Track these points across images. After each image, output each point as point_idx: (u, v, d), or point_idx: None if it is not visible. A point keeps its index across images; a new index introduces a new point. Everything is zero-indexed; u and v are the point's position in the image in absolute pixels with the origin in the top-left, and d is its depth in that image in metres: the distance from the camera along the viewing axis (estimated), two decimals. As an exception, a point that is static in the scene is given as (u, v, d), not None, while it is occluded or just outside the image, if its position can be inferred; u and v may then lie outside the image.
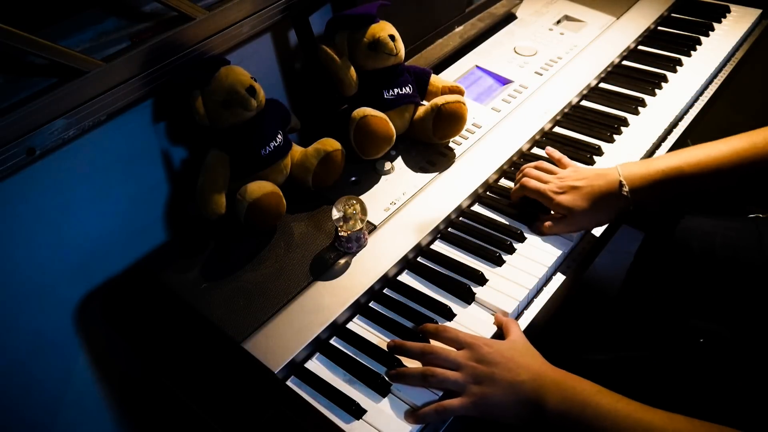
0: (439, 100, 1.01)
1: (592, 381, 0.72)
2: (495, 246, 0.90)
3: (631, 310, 1.09)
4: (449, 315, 0.81)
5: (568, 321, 1.09)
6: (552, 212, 0.92)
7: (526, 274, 0.86)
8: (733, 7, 1.40)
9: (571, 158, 1.04)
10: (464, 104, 1.01)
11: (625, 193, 0.87)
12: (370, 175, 1.00)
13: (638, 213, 0.89)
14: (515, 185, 0.96)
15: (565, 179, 0.92)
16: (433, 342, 0.78)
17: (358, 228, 0.85)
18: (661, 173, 0.87)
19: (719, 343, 0.90)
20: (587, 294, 1.39)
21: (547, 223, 0.90)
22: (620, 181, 0.88)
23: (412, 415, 0.71)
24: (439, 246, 0.92)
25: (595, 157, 1.04)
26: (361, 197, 0.90)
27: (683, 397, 0.87)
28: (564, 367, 0.74)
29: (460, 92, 1.06)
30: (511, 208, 0.96)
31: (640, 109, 1.15)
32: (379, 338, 0.80)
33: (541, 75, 1.20)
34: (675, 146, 1.11)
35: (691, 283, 0.91)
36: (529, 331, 0.82)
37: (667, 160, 0.88)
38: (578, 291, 0.92)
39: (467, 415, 0.72)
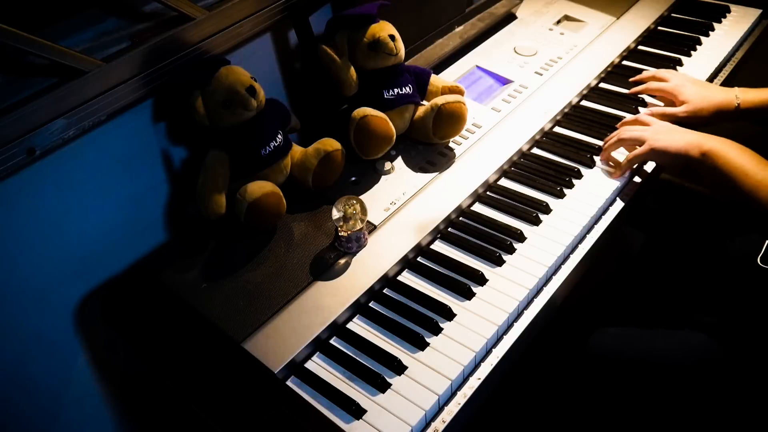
0: (439, 100, 1.01)
1: (596, 379, 0.74)
2: (495, 246, 0.90)
3: (639, 295, 1.10)
4: (449, 315, 0.81)
5: (571, 318, 1.09)
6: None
7: (526, 274, 0.86)
8: (733, 7, 1.40)
9: (571, 158, 1.04)
10: (464, 104, 1.01)
11: (737, 105, 1.04)
12: (370, 175, 1.00)
13: (639, 212, 0.90)
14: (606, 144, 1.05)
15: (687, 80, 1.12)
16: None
17: (358, 228, 0.85)
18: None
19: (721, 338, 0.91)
20: (587, 294, 1.39)
21: (670, 109, 1.09)
22: (736, 95, 1.05)
23: (613, 174, 0.99)
24: (439, 246, 0.92)
25: (595, 157, 1.04)
26: (361, 197, 0.90)
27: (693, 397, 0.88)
28: (569, 362, 0.76)
29: (460, 92, 1.06)
30: (511, 208, 0.96)
31: (640, 109, 1.15)
32: (379, 338, 0.80)
33: (541, 75, 1.20)
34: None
35: (699, 278, 0.93)
36: (529, 331, 0.82)
37: None
38: (579, 291, 0.92)
39: (646, 160, 0.99)
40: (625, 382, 0.96)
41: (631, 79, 1.20)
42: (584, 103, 1.19)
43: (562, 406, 1.03)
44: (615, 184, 0.99)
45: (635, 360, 0.96)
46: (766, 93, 1.04)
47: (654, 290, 1.09)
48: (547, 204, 0.96)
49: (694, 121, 1.05)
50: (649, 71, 1.18)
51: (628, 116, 1.13)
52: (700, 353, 0.92)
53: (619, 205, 0.99)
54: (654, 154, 0.96)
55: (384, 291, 0.86)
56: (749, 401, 0.87)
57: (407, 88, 1.02)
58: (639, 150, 0.96)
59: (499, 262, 0.88)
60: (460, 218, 0.96)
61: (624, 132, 1.01)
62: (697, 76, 1.21)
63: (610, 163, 1.02)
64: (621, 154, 1.03)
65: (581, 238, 0.93)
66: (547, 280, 0.87)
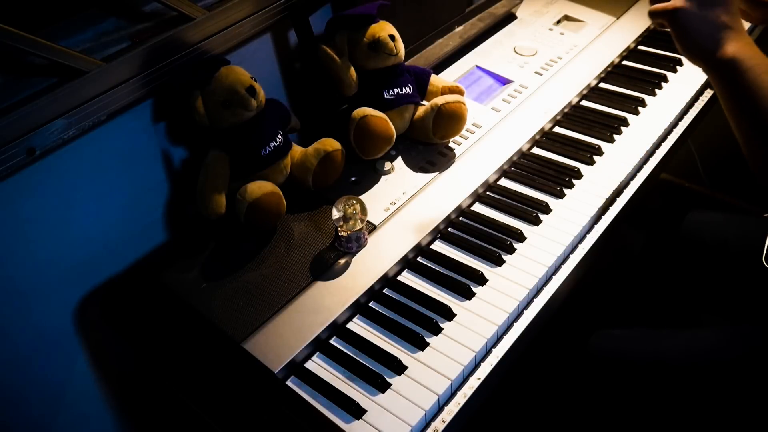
0: (439, 100, 1.01)
1: (597, 380, 0.73)
2: (495, 246, 0.90)
3: (642, 295, 1.09)
4: (449, 315, 0.81)
5: (572, 317, 1.09)
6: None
7: (526, 274, 0.86)
8: (733, 7, 1.40)
9: (571, 158, 1.04)
10: (464, 104, 1.01)
11: None
12: (370, 175, 1.00)
13: (642, 214, 0.90)
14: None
15: None
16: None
17: (358, 228, 0.85)
18: None
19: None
20: (588, 293, 1.39)
21: None
22: None
23: (650, 12, 0.81)
24: (439, 246, 0.92)
25: (595, 157, 1.04)
26: (361, 197, 0.90)
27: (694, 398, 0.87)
28: (570, 361, 0.75)
29: (460, 92, 1.06)
30: (511, 208, 0.96)
31: (640, 109, 1.15)
32: (379, 338, 0.80)
33: (541, 75, 1.20)
34: (675, 146, 1.11)
35: (702, 275, 0.92)
36: (529, 331, 0.82)
37: None
38: (579, 291, 0.92)
39: (673, 22, 0.80)
40: (627, 383, 0.95)
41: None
42: (584, 103, 1.19)
43: (562, 406, 1.02)
44: (615, 183, 0.99)
45: (638, 361, 0.95)
46: None
47: (656, 290, 1.09)
48: (547, 204, 0.96)
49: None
50: None
51: (629, 116, 1.13)
52: (705, 354, 0.91)
53: (619, 204, 0.99)
54: (675, 17, 0.80)
55: (384, 291, 0.86)
56: (755, 403, 0.87)
57: (407, 88, 1.02)
58: (664, 4, 0.81)
59: (499, 262, 0.88)
60: (460, 218, 0.96)
61: None
62: (697, 76, 1.21)
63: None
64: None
65: (581, 238, 0.93)
66: (547, 280, 0.87)
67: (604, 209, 0.97)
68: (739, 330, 0.91)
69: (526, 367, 0.99)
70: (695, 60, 0.81)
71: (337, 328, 0.81)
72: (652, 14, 0.83)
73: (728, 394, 0.87)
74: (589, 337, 1.01)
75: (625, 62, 1.28)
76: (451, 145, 1.05)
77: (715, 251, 0.97)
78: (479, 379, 0.76)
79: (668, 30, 0.82)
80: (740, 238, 0.96)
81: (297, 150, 0.96)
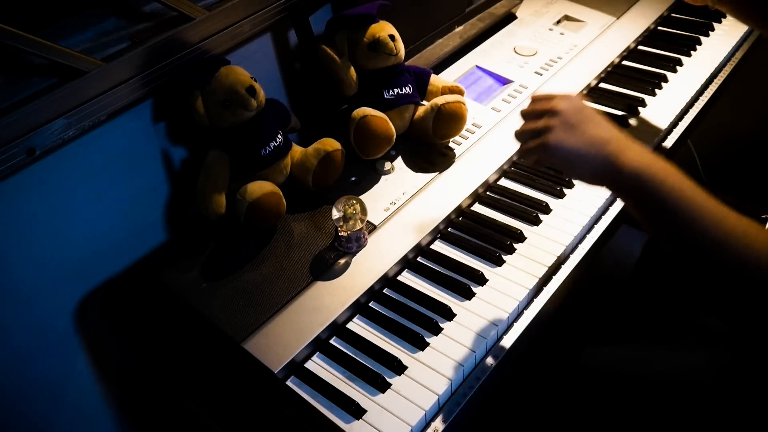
0: (439, 100, 1.01)
1: (588, 391, 0.72)
2: (495, 246, 0.90)
3: (637, 306, 1.08)
4: (449, 315, 0.81)
5: (571, 318, 1.09)
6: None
7: (526, 274, 0.86)
8: (733, 7, 1.40)
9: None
10: (464, 104, 1.01)
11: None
12: (370, 175, 1.00)
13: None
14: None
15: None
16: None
17: (358, 228, 0.85)
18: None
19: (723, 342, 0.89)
20: (589, 293, 1.39)
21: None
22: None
23: (519, 151, 0.76)
24: (439, 246, 0.92)
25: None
26: (361, 197, 0.90)
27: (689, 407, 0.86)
28: (564, 374, 0.74)
29: (460, 92, 1.06)
30: (511, 208, 0.96)
31: (640, 109, 1.15)
32: (379, 338, 0.80)
33: (541, 75, 1.20)
34: (675, 146, 1.11)
35: (699, 277, 0.91)
36: (529, 331, 0.82)
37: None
38: (579, 291, 0.92)
39: (543, 156, 0.74)
40: (618, 396, 0.94)
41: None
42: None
43: (562, 405, 1.02)
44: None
45: (630, 376, 0.93)
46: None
47: (658, 289, 1.07)
48: (547, 204, 0.96)
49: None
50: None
51: (629, 116, 1.13)
52: (702, 371, 0.88)
53: (619, 204, 0.99)
54: (549, 153, 0.73)
55: (384, 291, 0.86)
56: (746, 419, 0.85)
57: (407, 88, 1.02)
58: (531, 144, 0.75)
59: (499, 262, 0.88)
60: (460, 218, 0.96)
61: (533, 105, 0.77)
62: (697, 76, 1.21)
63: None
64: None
65: (581, 238, 0.93)
66: (547, 280, 0.87)
67: (604, 209, 0.97)
68: (729, 346, 0.90)
69: (526, 367, 0.98)
70: (595, 183, 0.73)
71: (337, 328, 0.81)
72: (524, 155, 0.77)
73: (720, 411, 0.86)
74: (583, 348, 1.00)
75: (625, 62, 1.28)
76: (451, 145, 1.05)
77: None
78: (479, 379, 0.76)
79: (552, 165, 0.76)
80: None
81: (297, 150, 0.96)
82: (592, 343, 0.99)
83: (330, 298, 0.82)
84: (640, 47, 1.32)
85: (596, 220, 0.96)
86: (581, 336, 1.05)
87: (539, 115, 0.76)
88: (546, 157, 0.74)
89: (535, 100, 0.78)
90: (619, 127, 0.75)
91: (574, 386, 0.99)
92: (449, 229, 0.94)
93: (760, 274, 0.63)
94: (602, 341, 1.01)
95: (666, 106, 1.15)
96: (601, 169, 0.71)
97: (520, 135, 0.77)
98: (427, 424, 0.72)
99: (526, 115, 0.78)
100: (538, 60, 1.23)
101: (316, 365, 0.77)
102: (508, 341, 0.80)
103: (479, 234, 0.92)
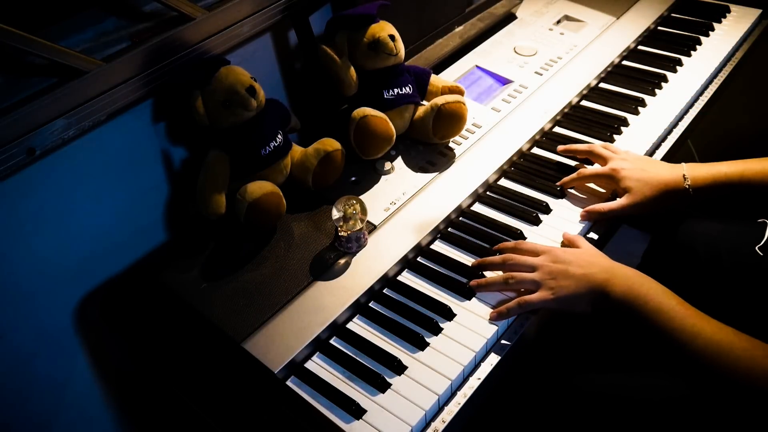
0: (439, 100, 1.01)
1: (585, 406, 0.78)
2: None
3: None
4: (449, 315, 0.81)
5: (568, 327, 1.08)
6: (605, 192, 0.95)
7: (526, 274, 0.86)
8: (733, 7, 1.40)
9: (571, 158, 1.04)
10: (464, 104, 1.01)
11: (687, 187, 0.91)
12: (370, 175, 1.00)
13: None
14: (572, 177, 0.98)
15: (630, 162, 0.95)
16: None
17: (358, 228, 0.85)
18: (724, 175, 0.91)
19: None
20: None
21: (607, 205, 0.93)
22: (683, 175, 0.91)
23: (497, 313, 0.79)
24: (439, 246, 0.92)
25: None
26: (361, 197, 0.91)
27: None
28: (558, 393, 0.74)
29: (460, 92, 1.06)
30: (511, 208, 0.96)
31: (640, 109, 1.15)
32: (379, 338, 0.80)
33: (541, 75, 1.20)
34: (675, 146, 1.11)
35: (696, 288, 0.91)
36: (529, 331, 0.82)
37: (731, 165, 0.92)
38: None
39: (546, 308, 0.80)
40: (612, 418, 0.92)
41: (560, 148, 1.03)
42: (584, 103, 1.19)
43: (563, 405, 1.02)
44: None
45: (624, 398, 0.91)
46: (717, 168, 0.92)
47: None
48: (547, 204, 0.96)
49: (638, 212, 0.93)
50: (583, 146, 1.02)
51: (629, 116, 1.13)
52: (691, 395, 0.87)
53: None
54: (553, 304, 0.79)
55: (384, 291, 0.86)
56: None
57: (407, 88, 1.02)
58: (532, 297, 0.79)
59: (499, 262, 0.88)
60: (460, 218, 0.96)
61: (511, 263, 0.83)
62: (697, 76, 1.21)
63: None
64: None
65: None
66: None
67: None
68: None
69: (526, 367, 0.98)
70: (596, 313, 0.79)
71: (337, 328, 0.81)
72: (523, 307, 0.80)
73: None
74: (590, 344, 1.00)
75: (625, 62, 1.28)
76: (451, 145, 1.05)
77: (707, 265, 0.96)
78: (479, 379, 0.76)
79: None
80: (733, 253, 0.95)
81: (297, 150, 0.96)
82: (590, 362, 0.99)
83: (330, 298, 0.82)
84: (640, 47, 1.32)
85: (596, 220, 0.96)
86: (585, 331, 1.05)
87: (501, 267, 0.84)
88: (548, 306, 0.80)
89: (506, 259, 0.84)
90: (594, 253, 0.84)
91: (574, 385, 0.98)
92: (449, 229, 0.94)
93: (737, 381, 0.69)
94: (600, 357, 1.01)
95: (666, 106, 1.15)
96: (598, 300, 0.78)
97: (485, 287, 0.83)
98: (427, 424, 0.72)
99: (487, 266, 0.86)
100: (538, 60, 1.23)
101: (316, 365, 0.77)
102: (508, 341, 0.80)
103: (479, 234, 0.92)
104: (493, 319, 0.80)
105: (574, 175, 0.98)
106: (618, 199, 0.94)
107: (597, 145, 1.01)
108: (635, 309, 0.76)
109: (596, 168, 0.98)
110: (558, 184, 0.99)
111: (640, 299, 0.76)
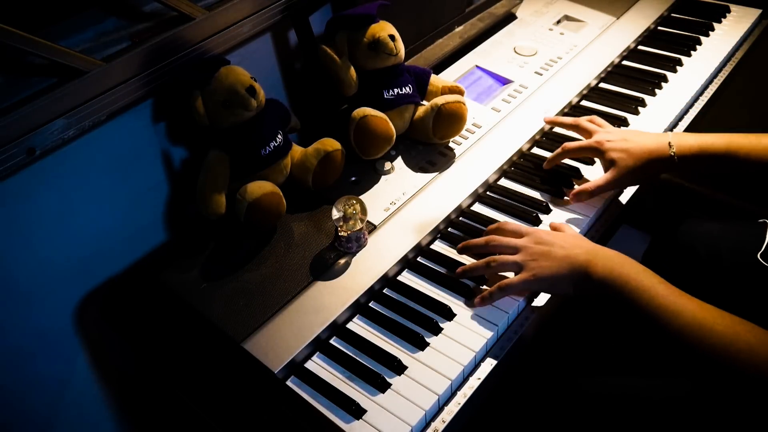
0: (439, 100, 1.01)
1: (586, 407, 0.77)
2: (495, 246, 0.90)
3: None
4: (449, 315, 0.81)
5: (568, 327, 1.08)
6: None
7: (526, 274, 0.86)
8: (733, 7, 1.40)
9: (572, 157, 1.04)
10: (464, 104, 1.01)
11: (672, 155, 0.90)
12: (370, 175, 1.00)
13: (642, 214, 0.89)
14: (556, 152, 0.98)
15: (614, 134, 0.95)
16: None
17: (358, 228, 0.85)
18: (710, 145, 0.90)
19: None
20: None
21: (593, 183, 0.92)
22: (669, 142, 0.90)
23: (480, 298, 0.80)
24: (439, 246, 0.92)
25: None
26: (361, 197, 0.90)
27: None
28: (558, 393, 0.74)
29: (460, 92, 1.06)
30: (511, 208, 0.96)
31: (640, 109, 1.15)
32: (379, 338, 0.80)
33: (541, 75, 1.20)
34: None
35: (696, 289, 0.91)
36: (530, 330, 0.82)
37: (718, 137, 0.91)
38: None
39: (528, 290, 0.81)
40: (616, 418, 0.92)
41: (546, 119, 1.06)
42: (584, 103, 1.19)
43: (563, 405, 1.02)
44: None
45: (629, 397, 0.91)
46: (704, 138, 0.91)
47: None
48: (547, 204, 0.96)
49: (627, 184, 0.94)
50: (570, 119, 1.03)
51: (629, 116, 1.13)
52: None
53: (620, 203, 0.99)
54: (532, 284, 0.79)
55: (384, 291, 0.86)
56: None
57: (407, 88, 1.02)
58: (512, 279, 0.80)
59: (499, 262, 0.87)
60: (460, 218, 0.96)
61: (494, 244, 0.84)
62: (697, 76, 1.21)
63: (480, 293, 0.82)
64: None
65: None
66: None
67: (604, 209, 0.97)
68: None
69: (526, 367, 0.98)
70: (578, 294, 0.79)
71: (337, 328, 0.81)
72: (504, 291, 0.80)
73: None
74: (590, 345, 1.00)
75: (625, 62, 1.28)
76: (451, 145, 1.05)
77: (708, 265, 0.96)
78: (479, 379, 0.76)
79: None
80: (733, 254, 0.95)
81: (297, 150, 0.96)
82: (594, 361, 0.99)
83: (330, 298, 0.82)
84: (640, 47, 1.32)
85: (596, 219, 0.96)
86: (585, 332, 1.04)
87: (483, 251, 0.85)
88: (530, 285, 0.79)
89: (489, 241, 0.85)
90: (577, 236, 0.84)
91: (573, 386, 0.98)
92: (449, 229, 0.94)
93: (721, 358, 0.68)
94: (602, 357, 1.01)
95: (666, 106, 1.15)
96: (580, 281, 0.77)
97: (469, 272, 0.84)
98: (427, 424, 0.72)
99: (471, 247, 0.87)
100: (538, 60, 1.23)
101: (316, 365, 0.77)
102: (508, 341, 0.80)
103: (479, 234, 0.92)
104: (477, 305, 0.81)
105: (558, 150, 0.98)
106: (604, 174, 0.93)
107: (583, 118, 1.01)
108: (616, 288, 0.74)
109: (581, 141, 0.98)
110: (545, 166, 0.99)
111: (621, 278, 0.74)
